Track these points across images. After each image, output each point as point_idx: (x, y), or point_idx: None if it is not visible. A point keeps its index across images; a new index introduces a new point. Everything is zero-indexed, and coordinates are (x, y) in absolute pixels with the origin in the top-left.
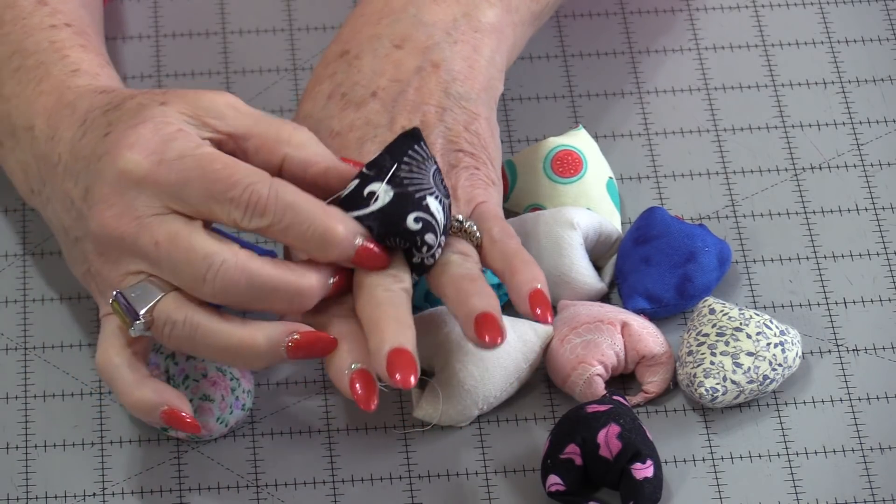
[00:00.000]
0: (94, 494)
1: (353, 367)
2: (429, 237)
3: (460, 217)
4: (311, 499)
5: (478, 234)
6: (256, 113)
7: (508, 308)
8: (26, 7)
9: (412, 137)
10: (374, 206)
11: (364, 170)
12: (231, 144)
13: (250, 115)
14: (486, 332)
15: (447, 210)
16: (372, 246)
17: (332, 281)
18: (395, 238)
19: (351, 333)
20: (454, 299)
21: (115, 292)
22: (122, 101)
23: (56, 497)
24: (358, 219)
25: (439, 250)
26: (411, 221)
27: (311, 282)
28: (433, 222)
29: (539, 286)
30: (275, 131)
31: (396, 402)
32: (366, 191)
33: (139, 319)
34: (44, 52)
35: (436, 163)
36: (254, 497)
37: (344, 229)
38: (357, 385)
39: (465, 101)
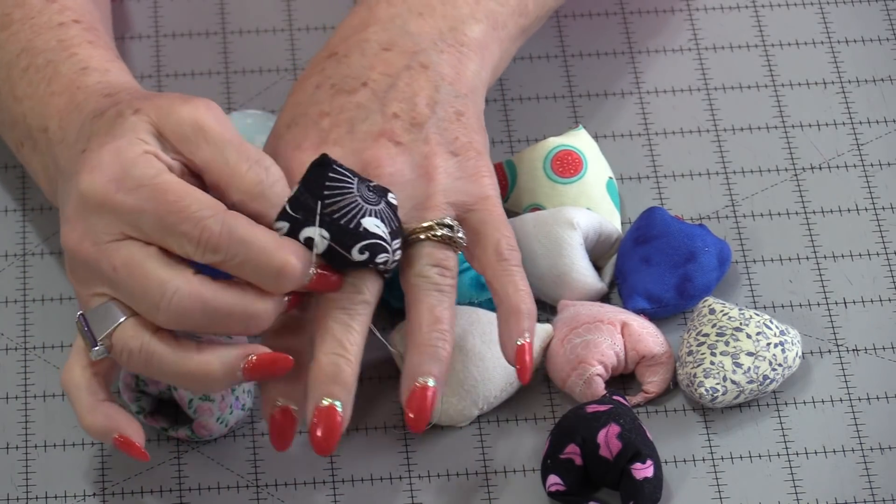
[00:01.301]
0: (94, 494)
1: (278, 403)
2: (380, 257)
3: (450, 222)
4: (311, 499)
5: (464, 243)
6: (220, 140)
7: None
8: (35, 5)
9: (323, 165)
10: (315, 251)
11: (290, 210)
12: (194, 168)
13: (212, 145)
14: (413, 410)
15: (388, 214)
16: (326, 273)
17: (287, 298)
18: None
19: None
20: (415, 330)
21: (79, 314)
22: (107, 108)
23: (56, 497)
24: None
25: (398, 253)
26: (356, 254)
27: (266, 305)
28: (378, 241)
29: (526, 342)
30: (229, 173)
31: (396, 401)
32: (301, 237)
33: (97, 346)
34: (52, 50)
35: (356, 175)
36: (254, 497)
37: (297, 262)
38: (274, 424)
39: (454, 96)
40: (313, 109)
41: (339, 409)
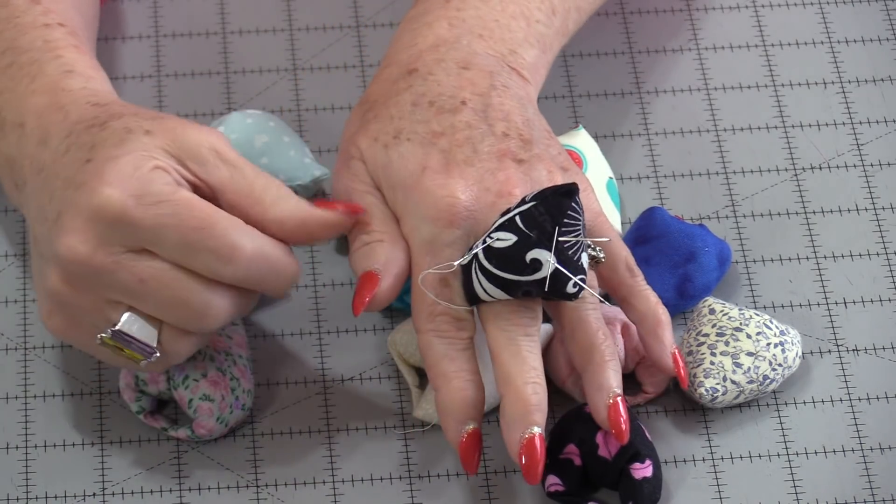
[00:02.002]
0: (94, 494)
1: (468, 427)
2: (581, 293)
3: (589, 241)
4: (311, 499)
5: (603, 260)
6: (237, 161)
7: None
8: (20, 6)
9: (569, 195)
10: (537, 276)
11: (521, 224)
12: (207, 192)
13: (229, 165)
14: (615, 426)
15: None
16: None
17: None
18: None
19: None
20: (591, 349)
21: (109, 330)
22: (108, 120)
23: (56, 497)
24: (516, 283)
25: None
26: (570, 287)
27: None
28: (586, 277)
29: (677, 349)
30: (248, 188)
31: (397, 402)
32: (528, 257)
33: (156, 353)
34: (37, 50)
35: (582, 208)
36: (254, 497)
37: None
38: (466, 449)
39: (536, 115)
40: (421, 128)
41: (539, 434)
